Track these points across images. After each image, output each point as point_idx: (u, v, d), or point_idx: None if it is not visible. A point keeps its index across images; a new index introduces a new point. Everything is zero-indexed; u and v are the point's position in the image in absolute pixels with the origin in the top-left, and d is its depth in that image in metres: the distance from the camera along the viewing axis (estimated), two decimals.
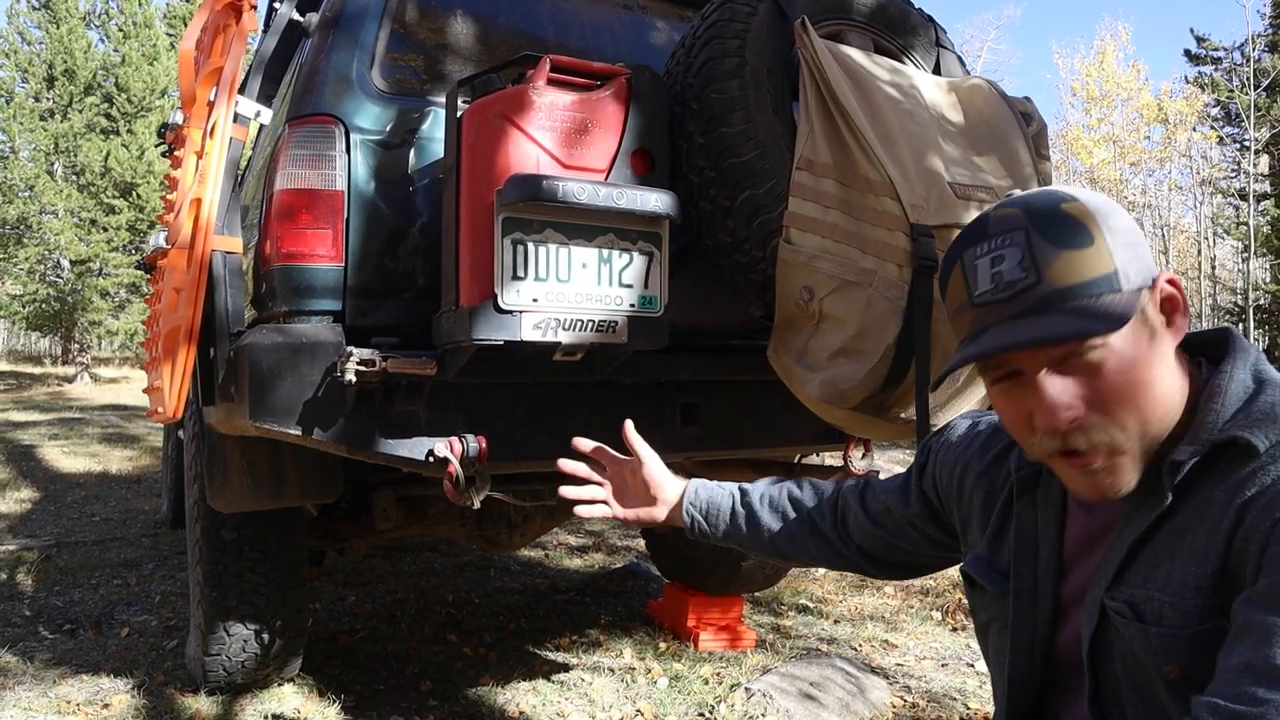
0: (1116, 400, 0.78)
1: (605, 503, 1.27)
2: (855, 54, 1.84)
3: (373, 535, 2.67)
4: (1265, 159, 18.18)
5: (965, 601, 3.88)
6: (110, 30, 21.29)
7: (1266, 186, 18.80)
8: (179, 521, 4.45)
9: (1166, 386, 0.80)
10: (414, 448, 1.78)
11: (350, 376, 1.59)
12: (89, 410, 14.52)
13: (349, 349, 1.62)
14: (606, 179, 1.67)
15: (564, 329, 1.62)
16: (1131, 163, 16.62)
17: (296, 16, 2.02)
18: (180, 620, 3.27)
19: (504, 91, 1.63)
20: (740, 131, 1.71)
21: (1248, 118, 17.11)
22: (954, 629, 3.54)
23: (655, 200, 1.61)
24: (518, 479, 2.08)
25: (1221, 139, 19.08)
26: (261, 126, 2.14)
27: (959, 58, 2.17)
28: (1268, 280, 18.03)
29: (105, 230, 20.06)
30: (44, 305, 19.86)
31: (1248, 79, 17.37)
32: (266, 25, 2.05)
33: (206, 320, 1.82)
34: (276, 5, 2.00)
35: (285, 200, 1.76)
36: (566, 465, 1.28)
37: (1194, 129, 18.17)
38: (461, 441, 1.75)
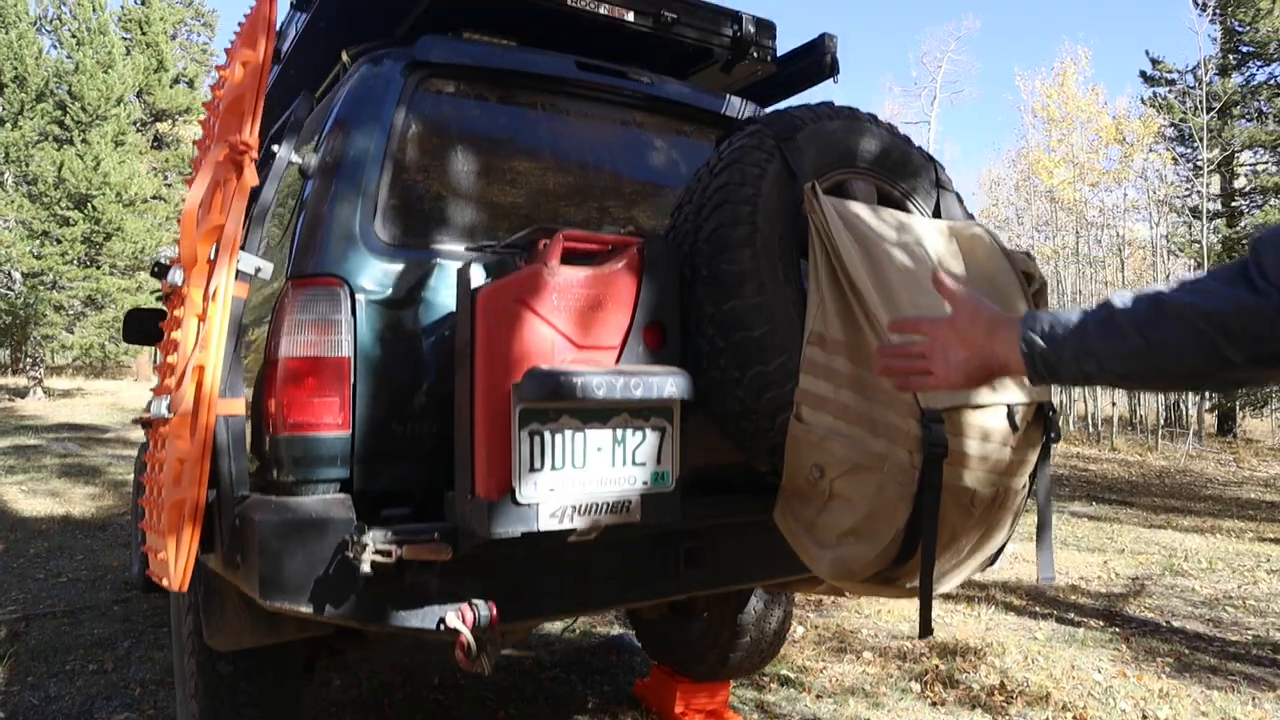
0: None
1: (930, 373, 1.16)
2: (862, 212, 1.86)
3: (366, 648, 2.64)
4: (1217, 179, 18.70)
5: (943, 670, 3.95)
6: (63, 36, 20.76)
7: (1218, 205, 19.34)
8: (150, 585, 4.36)
9: None
10: (425, 617, 1.77)
11: (366, 568, 1.57)
12: (44, 431, 14.15)
13: (362, 539, 1.60)
14: (620, 355, 1.67)
15: (579, 514, 1.62)
16: (1091, 184, 16.99)
17: (296, 159, 1.98)
18: (163, 716, 3.21)
19: (519, 274, 1.62)
20: (752, 305, 1.72)
21: (1201, 139, 17.57)
22: (933, 703, 3.60)
23: (671, 386, 1.61)
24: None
25: (1175, 159, 19.57)
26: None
27: (958, 196, 2.21)
28: None
29: (59, 242, 19.55)
30: None
31: (1200, 102, 17.84)
32: (263, 165, 2.01)
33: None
34: (275, 148, 1.97)
35: (291, 368, 1.74)
36: (885, 350, 1.24)
37: (1150, 149, 18.63)
38: (472, 609, 1.74)
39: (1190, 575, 6.55)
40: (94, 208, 19.51)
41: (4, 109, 19.69)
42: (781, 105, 3.03)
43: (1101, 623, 5.14)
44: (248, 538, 1.70)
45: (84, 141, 19.80)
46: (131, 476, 7.60)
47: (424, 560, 1.67)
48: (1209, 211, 18.55)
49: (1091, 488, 12.06)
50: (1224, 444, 17.68)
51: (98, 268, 20.26)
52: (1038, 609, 5.37)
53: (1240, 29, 18.81)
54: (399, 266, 1.86)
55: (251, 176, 1.79)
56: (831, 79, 2.92)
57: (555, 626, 4.38)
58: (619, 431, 1.66)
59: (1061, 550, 7.70)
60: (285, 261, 1.91)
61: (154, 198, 22.89)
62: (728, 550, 2.11)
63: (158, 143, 27.47)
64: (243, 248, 1.82)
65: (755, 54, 2.77)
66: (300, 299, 1.76)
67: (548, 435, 1.58)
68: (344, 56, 2.52)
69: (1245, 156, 19.66)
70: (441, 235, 1.97)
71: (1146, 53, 20.00)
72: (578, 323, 1.63)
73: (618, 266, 1.69)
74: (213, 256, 1.79)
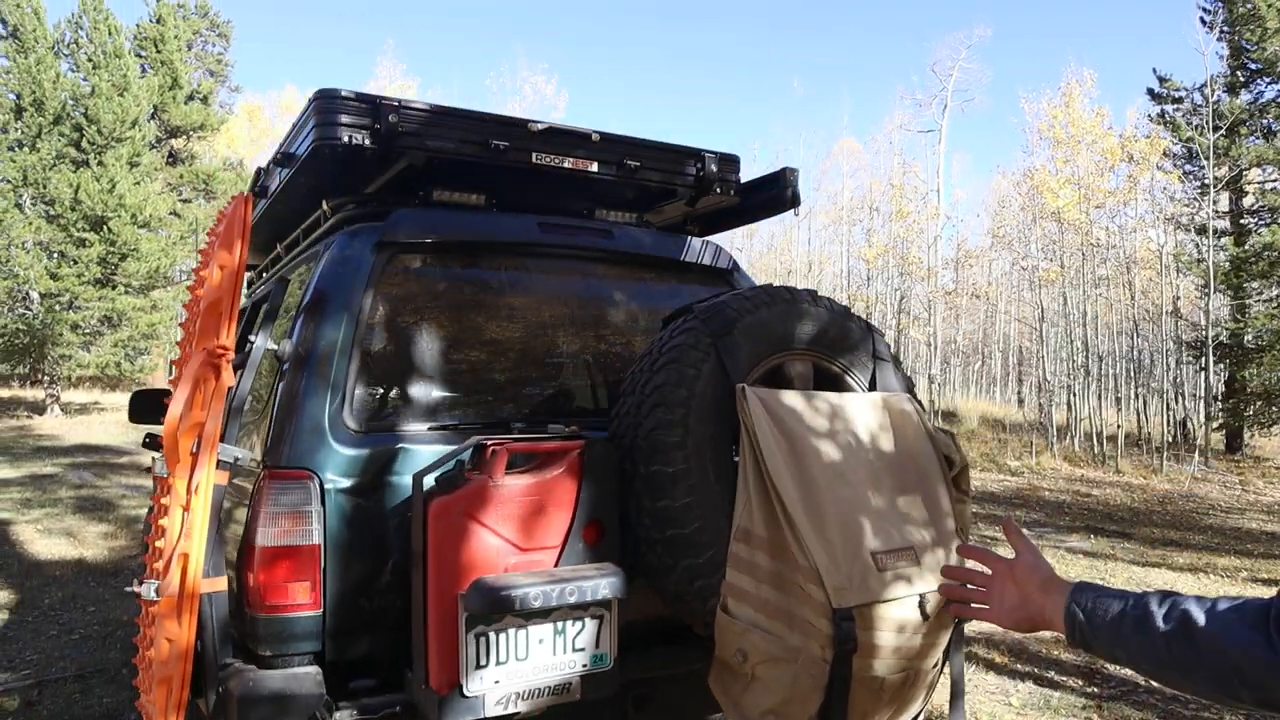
0: None
1: (985, 606, 1.30)
2: (793, 402, 2.01)
3: None
4: (1225, 197, 18.68)
5: None
6: (80, 60, 21.13)
7: (1226, 224, 19.31)
8: None
9: None
10: None
11: None
12: (60, 455, 14.47)
13: (331, 718, 1.78)
14: (560, 555, 1.84)
15: (523, 699, 1.79)
16: (1096, 205, 17.02)
17: (272, 346, 2.16)
18: None
19: (467, 489, 1.79)
20: (683, 505, 1.88)
21: (1208, 158, 17.58)
22: None
23: (604, 588, 1.78)
24: None
25: (1183, 178, 19.57)
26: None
27: (895, 361, 2.36)
28: (1227, 317, 18.53)
29: (76, 263, 19.92)
30: (13, 339, 19.70)
31: (1208, 120, 17.84)
32: (241, 348, 2.19)
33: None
34: (251, 338, 2.15)
35: (267, 554, 1.92)
36: (951, 570, 1.37)
37: (1157, 167, 18.64)
38: None
39: None
40: (110, 229, 19.87)
41: (23, 132, 20.09)
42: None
43: (1081, 682, 5.24)
44: (229, 708, 1.88)
45: (100, 164, 20.16)
46: (143, 513, 7.86)
47: None
48: (1217, 230, 18.54)
49: (1091, 517, 12.11)
50: (1231, 463, 17.64)
51: (113, 288, 20.63)
52: (1019, 667, 5.48)
53: (1248, 47, 18.77)
54: (365, 453, 2.04)
55: (229, 377, 1.97)
56: (793, 211, 3.09)
57: None
58: (559, 624, 1.83)
59: None
60: (262, 444, 2.09)
61: (170, 214, 23.26)
62: (673, 695, 2.27)
63: (172, 159, 27.86)
64: (223, 438, 2.00)
65: (719, 189, 2.93)
66: (274, 490, 1.94)
67: (492, 635, 1.76)
68: (324, 205, 2.70)
69: (1254, 174, 19.62)
70: (407, 418, 2.15)
71: (1154, 70, 19.99)
72: (521, 528, 1.80)
73: (558, 471, 1.86)
74: (195, 450, 1.97)
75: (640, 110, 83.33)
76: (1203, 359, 18.56)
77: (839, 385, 2.23)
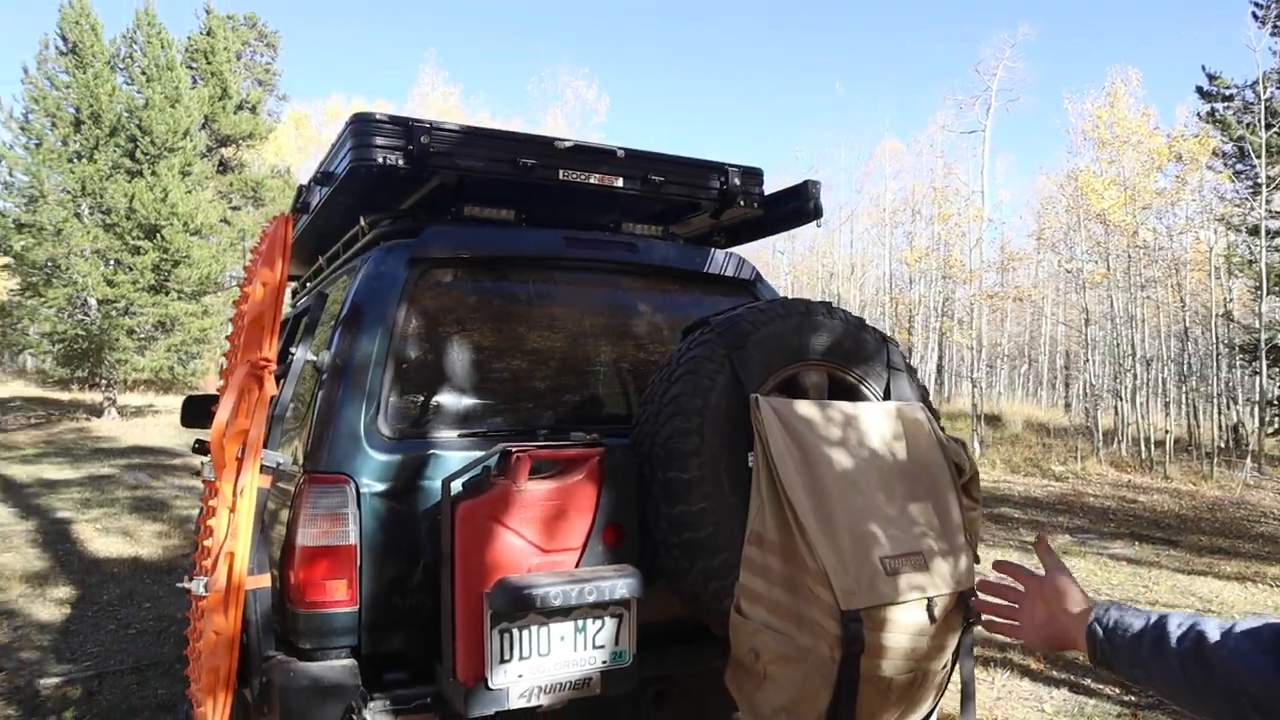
0: None
1: (1016, 624, 1.33)
2: (807, 411, 2.09)
3: None
4: (1278, 197, 18.19)
5: None
6: (134, 74, 21.82)
7: (1279, 224, 18.80)
8: None
9: None
10: None
11: None
12: (117, 457, 14.97)
13: (364, 709, 1.89)
14: (581, 557, 1.94)
15: (545, 693, 1.89)
16: (1143, 206, 16.70)
17: (312, 357, 2.29)
18: None
19: (492, 493, 1.90)
20: (698, 510, 1.97)
21: (1260, 157, 17.15)
22: None
23: (622, 588, 1.88)
24: None
25: (1234, 176, 19.11)
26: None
27: (910, 371, 2.42)
28: None
29: (131, 270, 20.59)
30: (73, 345, 20.40)
31: (1259, 118, 17.41)
32: (283, 359, 2.33)
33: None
34: (293, 350, 2.28)
35: (306, 554, 2.04)
36: (986, 585, 1.41)
37: (1207, 167, 18.23)
38: None
39: None
40: (163, 237, 20.50)
41: (81, 144, 20.80)
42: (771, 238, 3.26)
43: (1117, 690, 5.20)
44: (271, 697, 2.01)
45: (153, 173, 20.80)
46: (194, 513, 8.15)
47: None
48: (1269, 230, 18.07)
49: (1136, 524, 11.89)
50: None
51: (166, 294, 21.27)
52: (1054, 673, 5.45)
53: None
54: (398, 459, 2.15)
55: (271, 387, 2.11)
56: (815, 222, 3.16)
57: None
58: (580, 622, 1.92)
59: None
60: (303, 449, 2.22)
61: (221, 221, 23.92)
62: (693, 690, 2.35)
63: (222, 167, 28.61)
64: (266, 444, 2.13)
65: (742, 202, 3.01)
66: (313, 493, 2.06)
67: (516, 632, 1.86)
68: (362, 221, 2.84)
69: None
70: (438, 426, 2.26)
71: (1203, 68, 19.55)
72: (543, 530, 1.90)
73: (579, 477, 1.96)
74: (240, 455, 2.10)
75: (679, 114, 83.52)
76: (1255, 363, 18.09)
77: (854, 395, 2.30)
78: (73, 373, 23.44)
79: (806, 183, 3.11)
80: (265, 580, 2.13)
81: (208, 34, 25.84)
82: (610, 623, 1.96)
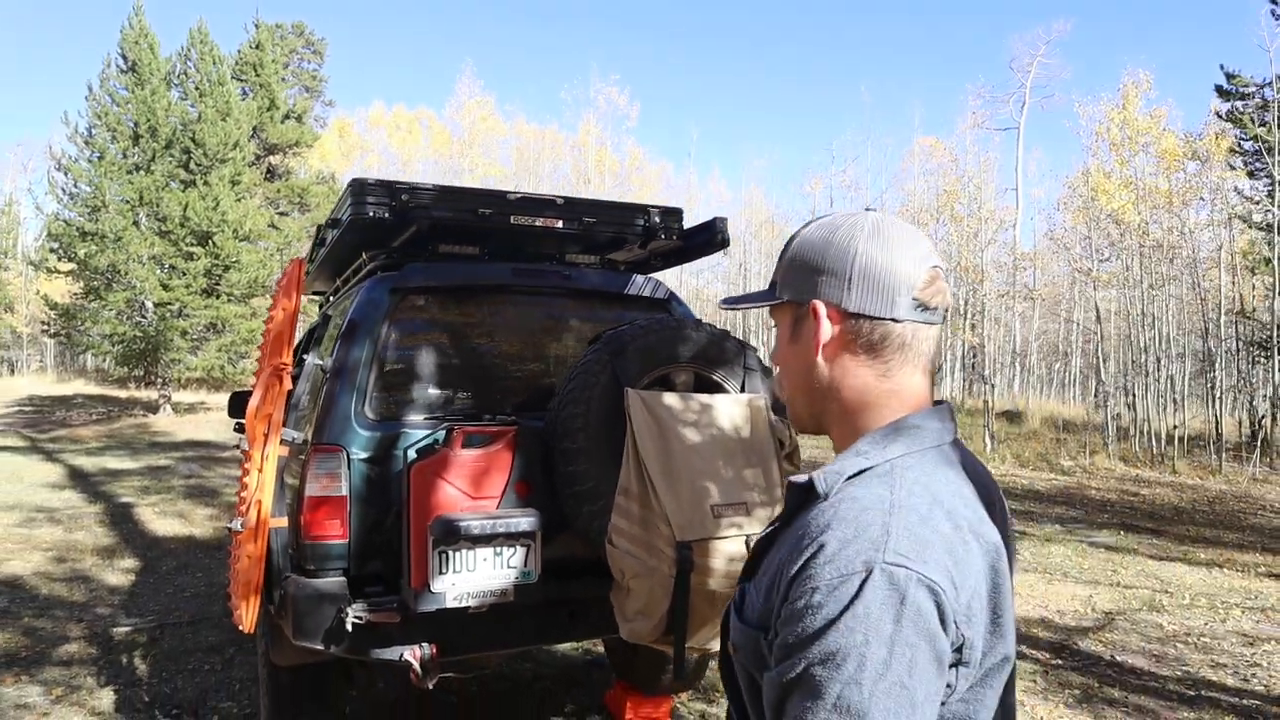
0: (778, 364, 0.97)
1: None
2: (670, 401, 2.87)
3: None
4: None
5: None
6: (188, 89, 23.12)
7: None
8: None
9: (822, 391, 0.92)
10: (392, 653, 2.87)
11: (349, 625, 2.69)
12: (172, 450, 16.16)
13: (349, 608, 2.72)
14: (500, 502, 2.74)
15: (471, 597, 2.70)
16: (1154, 205, 17.02)
17: (319, 361, 3.13)
18: (252, 707, 4.44)
19: (436, 457, 2.71)
20: (584, 470, 2.76)
21: (1270, 155, 17.37)
22: None
23: (524, 523, 2.68)
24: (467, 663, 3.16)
25: (1251, 174, 19.29)
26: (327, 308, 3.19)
27: (763, 369, 3.18)
28: None
29: (184, 275, 21.90)
30: (131, 345, 21.77)
31: (1275, 117, 17.61)
32: (299, 363, 3.17)
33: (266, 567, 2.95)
34: (305, 356, 3.12)
35: (312, 502, 2.88)
36: None
37: (1228, 165, 18.46)
38: (420, 648, 2.84)
39: (1165, 611, 6.88)
40: (214, 243, 21.77)
41: (139, 156, 22.16)
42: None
43: (1047, 655, 5.83)
44: (286, 603, 2.85)
45: (205, 183, 22.09)
46: None
47: (384, 621, 2.78)
48: None
49: (1130, 515, 12.29)
50: None
51: (217, 297, 22.57)
52: None
53: None
54: (378, 435, 2.98)
55: (288, 384, 2.95)
56: (722, 252, 3.93)
57: (565, 646, 5.46)
58: (498, 549, 2.73)
59: (1058, 582, 8.17)
60: (311, 428, 3.06)
61: (269, 226, 25.20)
62: (599, 608, 3.14)
63: (270, 174, 29.99)
64: (285, 424, 2.98)
65: (663, 235, 3.79)
66: (317, 459, 2.90)
67: (451, 553, 2.67)
68: (364, 254, 3.68)
69: None
70: (409, 411, 3.09)
71: (1221, 66, 19.75)
72: (472, 483, 2.71)
73: (499, 447, 2.76)
74: (266, 432, 2.95)
75: (709, 118, 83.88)
76: (1269, 360, 18.28)
77: (718, 389, 3.07)
78: (130, 371, 24.92)
79: (714, 219, 3.88)
80: (283, 521, 2.97)
81: (256, 47, 27.18)
82: (520, 550, 2.76)
